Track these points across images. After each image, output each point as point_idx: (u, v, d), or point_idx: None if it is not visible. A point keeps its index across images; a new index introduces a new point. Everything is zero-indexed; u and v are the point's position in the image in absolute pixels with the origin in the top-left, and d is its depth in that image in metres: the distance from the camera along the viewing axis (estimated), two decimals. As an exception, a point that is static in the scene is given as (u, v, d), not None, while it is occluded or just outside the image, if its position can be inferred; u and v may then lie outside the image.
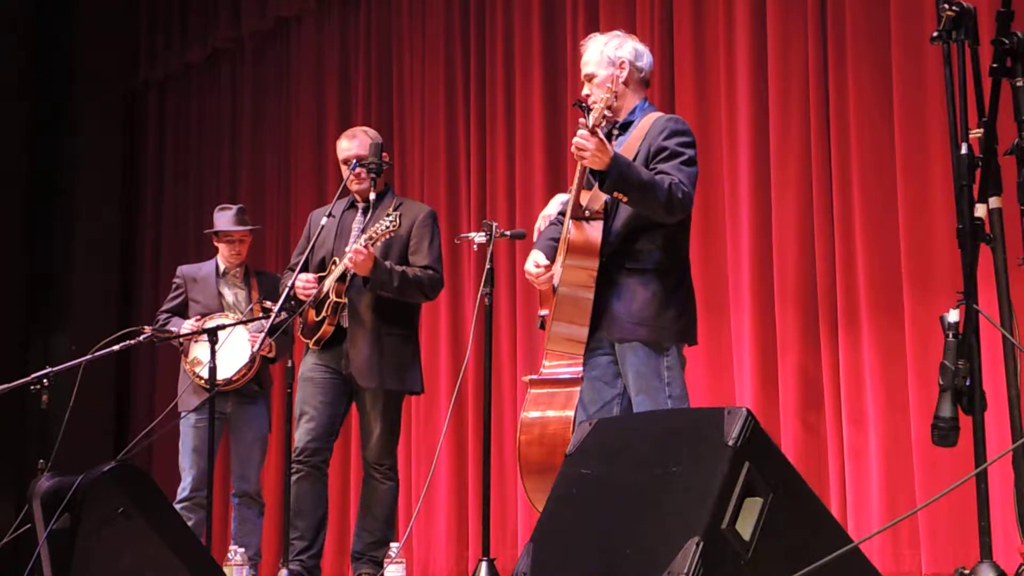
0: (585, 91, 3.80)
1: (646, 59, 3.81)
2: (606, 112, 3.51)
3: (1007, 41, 2.61)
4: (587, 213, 3.61)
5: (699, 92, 5.50)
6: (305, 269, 4.74)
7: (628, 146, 3.64)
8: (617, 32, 3.88)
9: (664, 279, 3.62)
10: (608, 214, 3.62)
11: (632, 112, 3.76)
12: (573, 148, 3.45)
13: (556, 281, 3.68)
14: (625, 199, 3.48)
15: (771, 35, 5.25)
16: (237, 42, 7.99)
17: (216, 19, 8.01)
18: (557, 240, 3.80)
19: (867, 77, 4.96)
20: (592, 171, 3.50)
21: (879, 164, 4.90)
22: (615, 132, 3.76)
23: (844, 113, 5.01)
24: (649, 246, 3.62)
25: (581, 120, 3.48)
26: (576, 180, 3.62)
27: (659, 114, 3.76)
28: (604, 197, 3.59)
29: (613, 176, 3.42)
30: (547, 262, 3.74)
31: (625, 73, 3.74)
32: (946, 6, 2.70)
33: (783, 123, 5.17)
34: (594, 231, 3.58)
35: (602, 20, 5.88)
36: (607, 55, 3.76)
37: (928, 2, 4.64)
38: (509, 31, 6.38)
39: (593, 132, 3.41)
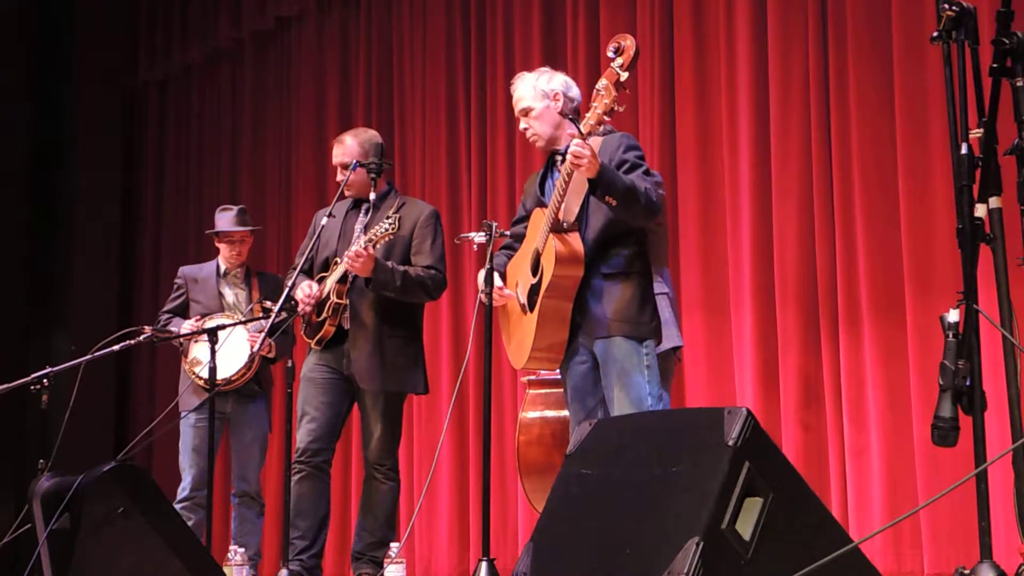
0: (522, 126, 4.02)
1: (575, 91, 4.03)
2: (606, 117, 3.62)
3: (1007, 41, 2.61)
4: (565, 225, 3.79)
5: (699, 92, 5.50)
6: (310, 270, 4.75)
7: None
8: (544, 68, 4.11)
9: (639, 282, 3.81)
10: (580, 224, 3.81)
11: (610, 114, 3.84)
12: (570, 156, 3.58)
13: (524, 299, 3.86)
14: (614, 202, 3.63)
15: (771, 35, 5.25)
16: (237, 42, 7.99)
17: (216, 19, 8.01)
18: (503, 267, 4.05)
19: (868, 77, 4.96)
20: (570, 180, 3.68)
21: (880, 164, 4.90)
22: (557, 159, 3.95)
23: (845, 113, 5.01)
24: (623, 251, 3.81)
25: (570, 131, 3.70)
26: (555, 196, 3.76)
27: (601, 137, 3.90)
28: (576, 209, 3.79)
29: (605, 180, 3.59)
30: (500, 283, 3.97)
31: (560, 104, 3.96)
32: (946, 6, 2.70)
33: (784, 123, 5.17)
34: (576, 241, 3.77)
35: (602, 20, 5.89)
36: (540, 88, 3.98)
37: (928, 2, 4.64)
38: (509, 31, 6.38)
39: (585, 140, 3.57)
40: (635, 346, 3.76)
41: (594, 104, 3.60)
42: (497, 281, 3.96)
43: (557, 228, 3.77)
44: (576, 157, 3.55)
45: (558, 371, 4.07)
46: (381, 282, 4.49)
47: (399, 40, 6.96)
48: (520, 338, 3.90)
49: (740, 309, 5.20)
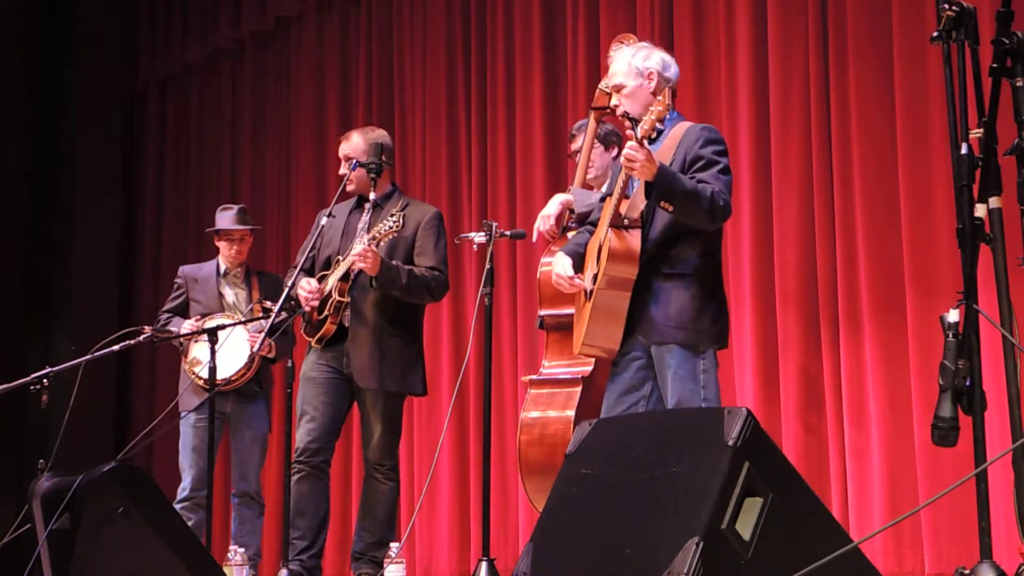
0: (613, 102, 3.85)
1: (673, 69, 3.86)
2: (657, 124, 3.58)
3: (1007, 41, 2.61)
4: (626, 221, 3.67)
5: (699, 92, 5.50)
6: (311, 269, 4.75)
7: (660, 155, 3.66)
8: (644, 43, 3.95)
9: (701, 284, 3.68)
10: (645, 221, 3.68)
11: (661, 121, 3.76)
12: (623, 160, 3.49)
13: (588, 286, 3.74)
14: (671, 208, 3.54)
15: (772, 35, 5.25)
16: (237, 42, 7.98)
17: (216, 19, 8.00)
18: (583, 246, 3.87)
19: (868, 77, 4.96)
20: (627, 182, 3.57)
21: (880, 164, 4.90)
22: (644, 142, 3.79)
23: (845, 113, 5.01)
24: (687, 252, 3.67)
25: (629, 132, 3.55)
26: (617, 190, 3.67)
27: (689, 123, 3.81)
28: (642, 206, 3.66)
29: (660, 186, 3.50)
30: (572, 272, 3.79)
31: (653, 84, 3.79)
32: (946, 6, 2.70)
33: (784, 123, 5.17)
34: (634, 239, 3.65)
35: (602, 20, 5.89)
36: (635, 66, 3.81)
37: (928, 2, 4.64)
38: (510, 31, 6.38)
39: (641, 144, 3.47)
40: (690, 356, 3.64)
41: (651, 108, 3.56)
42: (570, 269, 3.77)
43: (617, 223, 3.66)
44: (628, 160, 3.46)
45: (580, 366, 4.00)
46: (386, 280, 4.49)
47: (399, 40, 6.96)
48: (580, 324, 3.81)
49: (740, 310, 5.20)
